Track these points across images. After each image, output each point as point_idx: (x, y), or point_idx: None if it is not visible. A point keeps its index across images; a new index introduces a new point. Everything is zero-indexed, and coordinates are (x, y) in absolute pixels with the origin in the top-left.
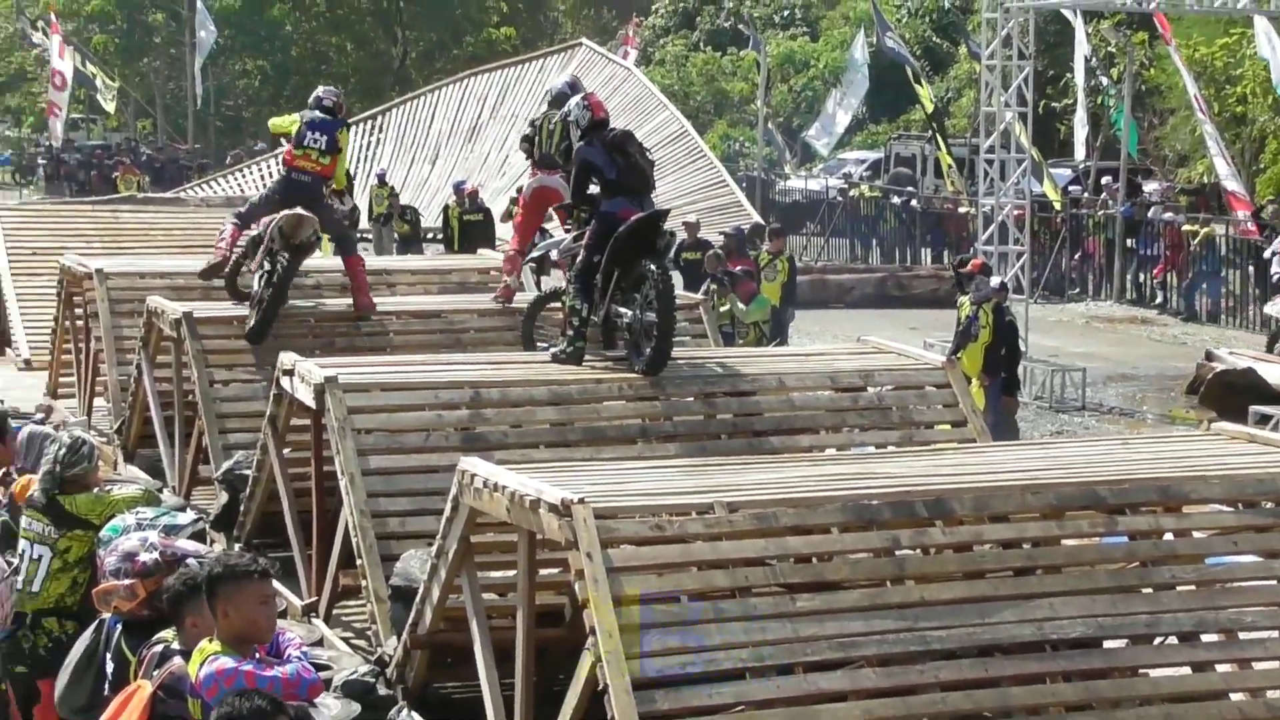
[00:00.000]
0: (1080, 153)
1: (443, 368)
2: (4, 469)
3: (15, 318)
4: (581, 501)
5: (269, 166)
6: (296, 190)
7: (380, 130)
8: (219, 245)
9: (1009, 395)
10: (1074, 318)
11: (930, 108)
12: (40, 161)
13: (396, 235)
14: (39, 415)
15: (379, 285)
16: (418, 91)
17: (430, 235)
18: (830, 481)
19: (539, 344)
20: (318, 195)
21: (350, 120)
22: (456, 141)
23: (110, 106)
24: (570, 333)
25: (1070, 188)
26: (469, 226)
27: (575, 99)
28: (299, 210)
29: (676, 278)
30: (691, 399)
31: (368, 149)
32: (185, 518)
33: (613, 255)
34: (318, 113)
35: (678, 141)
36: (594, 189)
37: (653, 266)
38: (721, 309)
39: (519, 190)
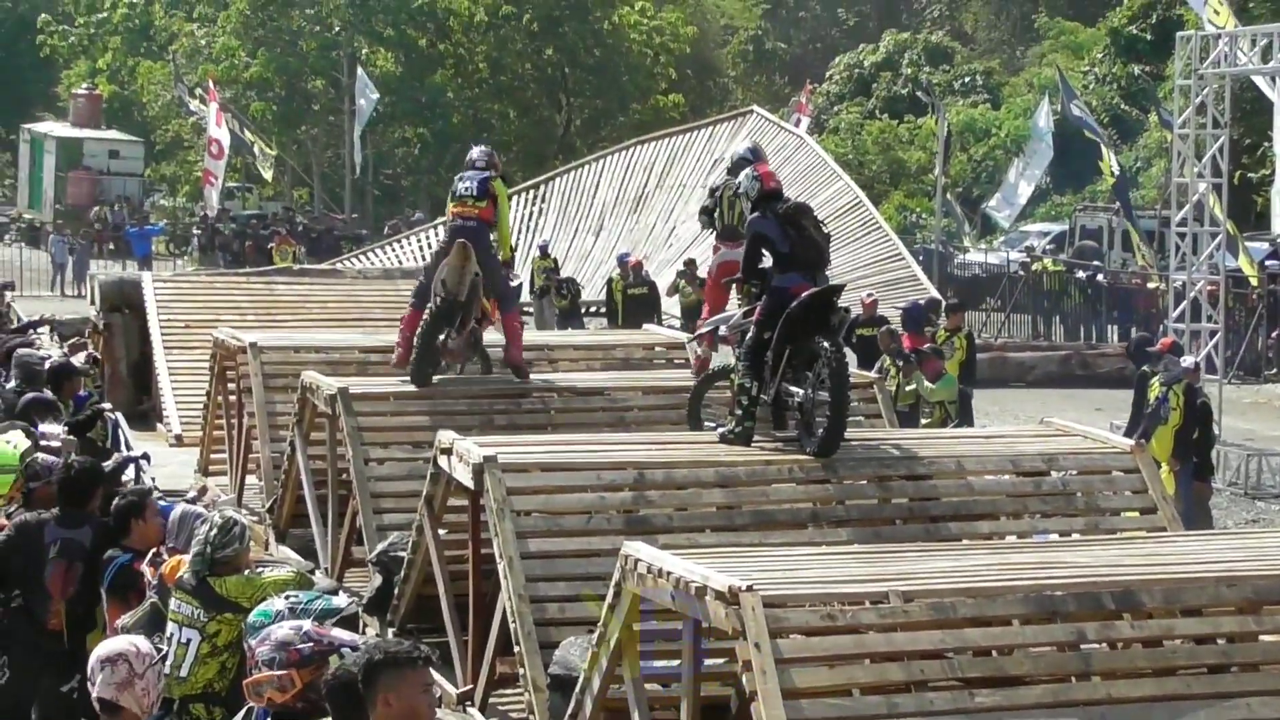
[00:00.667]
0: (1278, 226)
1: (606, 448)
2: (154, 549)
3: (167, 392)
4: (750, 589)
5: (428, 237)
6: (458, 232)
7: (543, 200)
8: (400, 337)
9: (1201, 481)
10: (1271, 399)
11: (1111, 179)
12: (195, 231)
13: (556, 310)
14: (191, 494)
15: (540, 361)
16: (582, 160)
17: (592, 309)
18: (1011, 571)
19: (706, 423)
20: (482, 239)
21: (513, 190)
22: (621, 211)
23: (268, 175)
24: (739, 412)
25: (1268, 262)
26: (633, 300)
27: (746, 171)
28: (458, 253)
29: (850, 355)
30: (865, 482)
31: (530, 219)
32: (339, 601)
33: (784, 332)
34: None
35: (852, 213)
36: (766, 262)
37: (826, 344)
38: (906, 388)
39: (686, 264)
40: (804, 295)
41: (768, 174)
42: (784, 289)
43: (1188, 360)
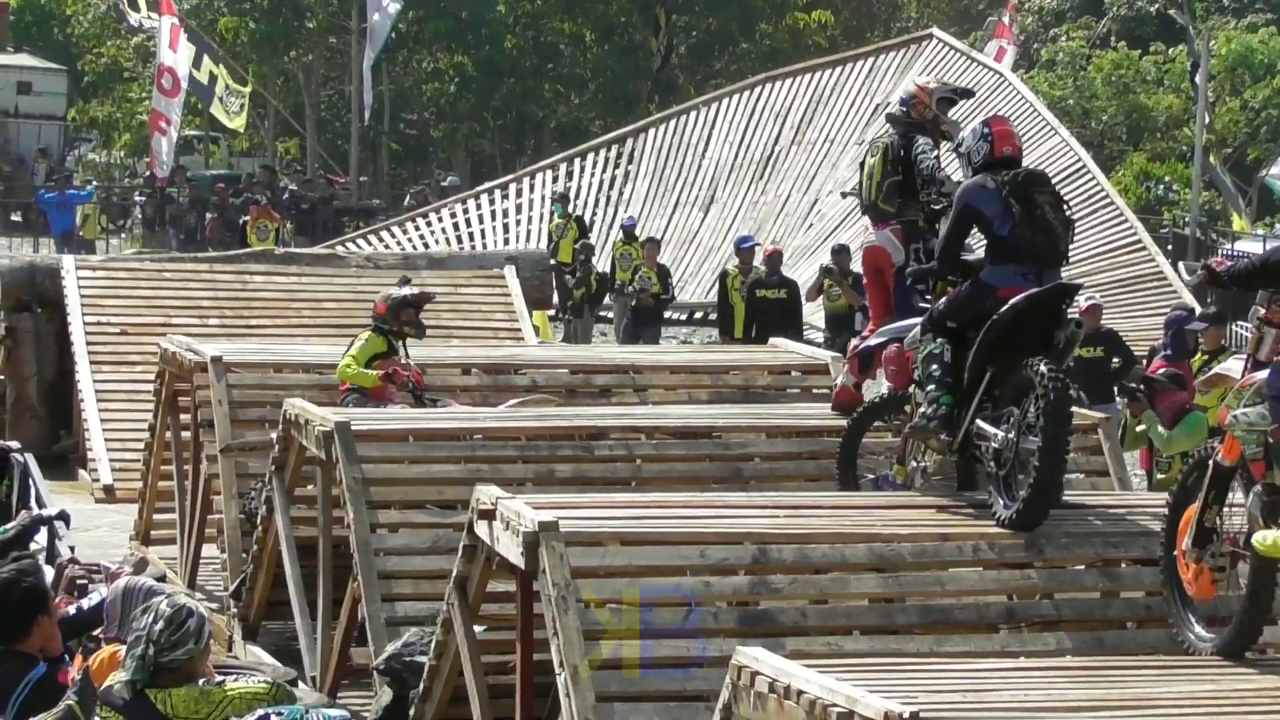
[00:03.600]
0: None
1: (713, 513)
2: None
3: (94, 425)
4: (915, 717)
5: (466, 212)
6: None
7: (631, 160)
8: None
9: None
10: None
11: None
12: (137, 199)
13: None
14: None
15: (622, 387)
16: (687, 104)
17: (697, 315)
18: None
19: (865, 477)
20: None
21: (588, 146)
22: (742, 178)
23: (238, 122)
24: (931, 387)
25: None
26: (760, 304)
27: (973, 126)
28: None
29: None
30: (1083, 568)
31: (611, 187)
32: (336, 713)
33: (984, 349)
34: None
35: (1073, 182)
36: (973, 255)
37: (1044, 369)
38: (1136, 429)
39: (835, 252)
40: (1017, 299)
41: (1004, 133)
42: (992, 287)
43: None
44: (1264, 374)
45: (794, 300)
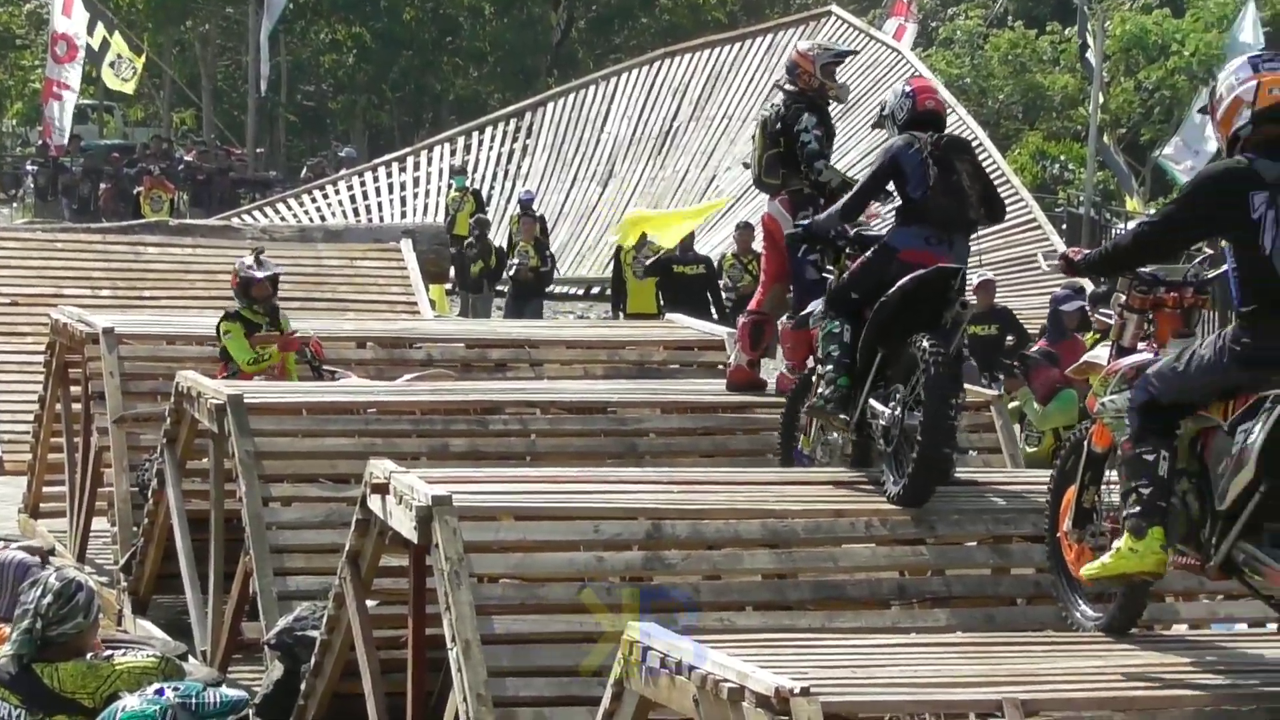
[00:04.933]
0: None
1: (607, 489)
2: None
3: None
4: (806, 692)
5: (364, 184)
6: None
7: (529, 134)
8: None
9: None
10: None
11: None
12: (29, 168)
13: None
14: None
15: (518, 362)
16: (586, 79)
17: (594, 289)
18: (1180, 673)
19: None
20: None
21: (487, 119)
22: (640, 152)
23: (128, 86)
24: (829, 368)
25: None
26: (677, 280)
27: (896, 87)
28: None
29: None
30: (975, 545)
31: (509, 161)
32: (234, 693)
33: (874, 328)
34: None
35: None
36: (875, 220)
37: (926, 345)
38: (1010, 405)
39: (738, 230)
40: (904, 280)
41: (925, 88)
42: (894, 249)
43: None
44: (1129, 360)
45: (710, 276)
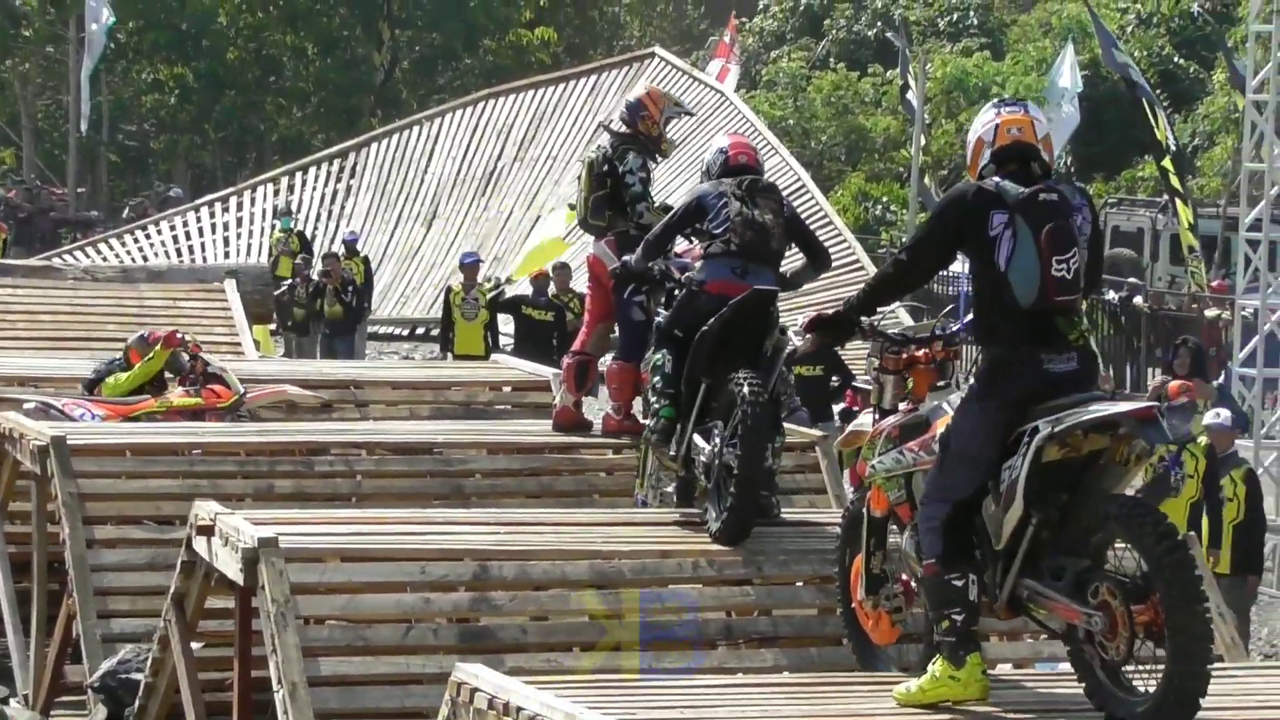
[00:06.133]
0: None
1: (434, 530)
2: None
3: None
4: None
5: (187, 224)
6: None
7: (353, 174)
8: None
9: (1252, 575)
10: None
11: (1170, 160)
12: None
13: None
14: None
15: (344, 403)
16: (410, 119)
17: (419, 330)
18: (1005, 711)
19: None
20: None
21: (310, 160)
22: (465, 193)
23: None
24: (652, 398)
25: None
26: (527, 324)
27: (718, 144)
28: None
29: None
30: (801, 585)
31: (333, 202)
32: None
33: (696, 361)
34: None
35: (793, 201)
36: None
37: (744, 380)
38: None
39: (556, 270)
40: (723, 310)
41: (739, 144)
42: (701, 282)
43: (1215, 416)
44: (890, 420)
45: (561, 322)
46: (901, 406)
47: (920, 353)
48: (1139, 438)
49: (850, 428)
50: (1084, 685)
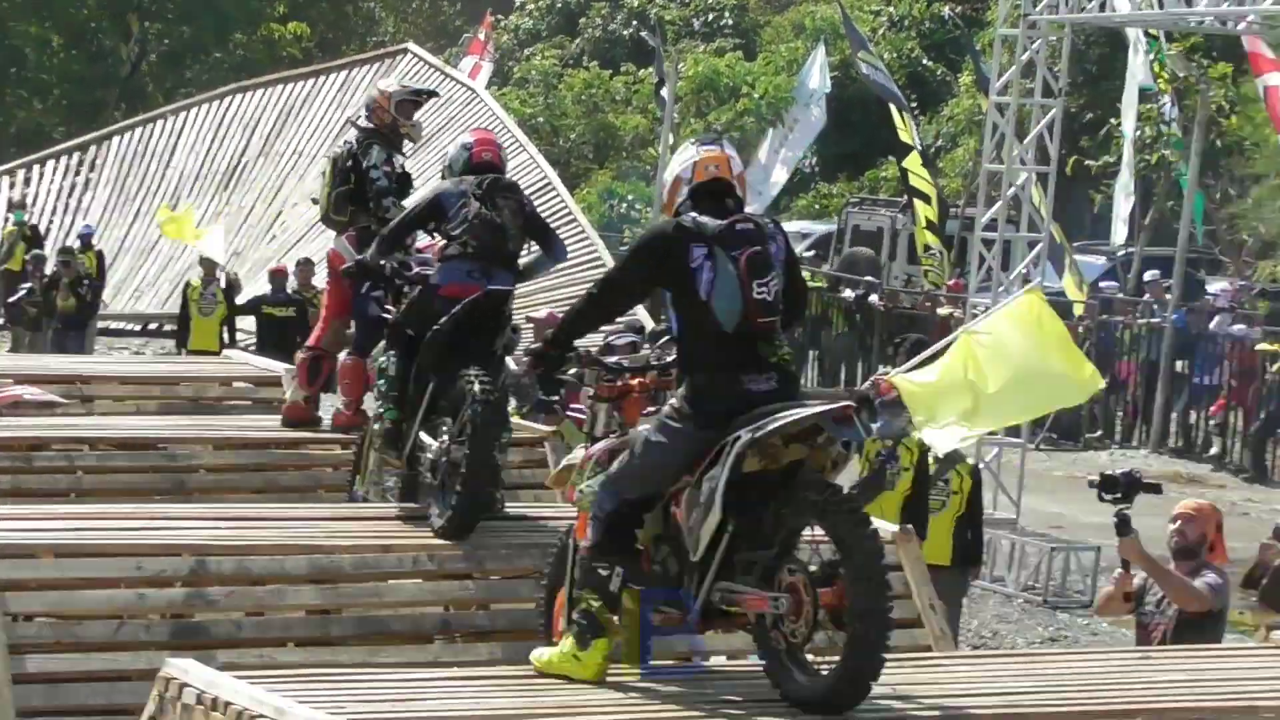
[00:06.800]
0: (1120, 234)
1: (152, 525)
2: None
3: None
4: None
5: None
6: None
7: (93, 168)
8: None
9: (971, 566)
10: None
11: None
12: None
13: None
14: None
15: (69, 398)
16: (154, 113)
17: (152, 326)
18: (716, 701)
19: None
20: None
21: (50, 152)
22: (207, 188)
23: None
24: (379, 399)
25: (1102, 283)
26: (268, 322)
27: (462, 141)
28: None
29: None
30: (520, 580)
31: (71, 195)
32: None
33: (427, 360)
34: None
35: (539, 198)
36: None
37: (477, 384)
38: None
39: (299, 265)
40: (456, 309)
41: (483, 140)
42: (435, 285)
43: None
44: (599, 445)
45: (303, 318)
46: (613, 435)
47: (635, 381)
48: (836, 436)
49: (564, 462)
50: (766, 669)
